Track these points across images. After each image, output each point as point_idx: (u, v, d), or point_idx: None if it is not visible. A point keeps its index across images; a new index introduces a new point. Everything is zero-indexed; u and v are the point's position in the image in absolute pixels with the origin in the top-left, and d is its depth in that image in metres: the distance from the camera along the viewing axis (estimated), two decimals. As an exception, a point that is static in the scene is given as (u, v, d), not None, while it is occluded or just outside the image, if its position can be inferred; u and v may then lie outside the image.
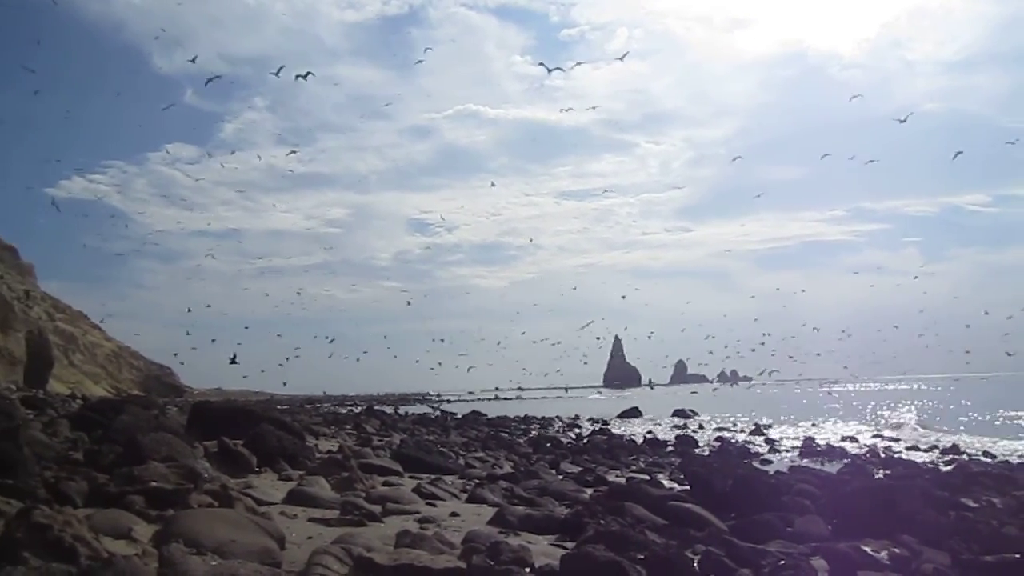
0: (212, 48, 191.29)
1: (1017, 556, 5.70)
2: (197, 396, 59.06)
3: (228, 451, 8.67)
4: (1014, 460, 16.20)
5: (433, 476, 10.07)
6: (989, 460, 16.41)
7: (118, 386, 64.02)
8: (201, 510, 5.34)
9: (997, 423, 28.53)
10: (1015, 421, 28.68)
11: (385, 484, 8.88)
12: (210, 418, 10.95)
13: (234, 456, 8.62)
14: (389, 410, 44.20)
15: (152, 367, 74.11)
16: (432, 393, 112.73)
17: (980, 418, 31.19)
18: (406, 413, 41.07)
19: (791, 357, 43.53)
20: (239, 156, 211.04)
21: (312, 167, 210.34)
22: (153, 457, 6.82)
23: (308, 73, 17.23)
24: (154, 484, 5.67)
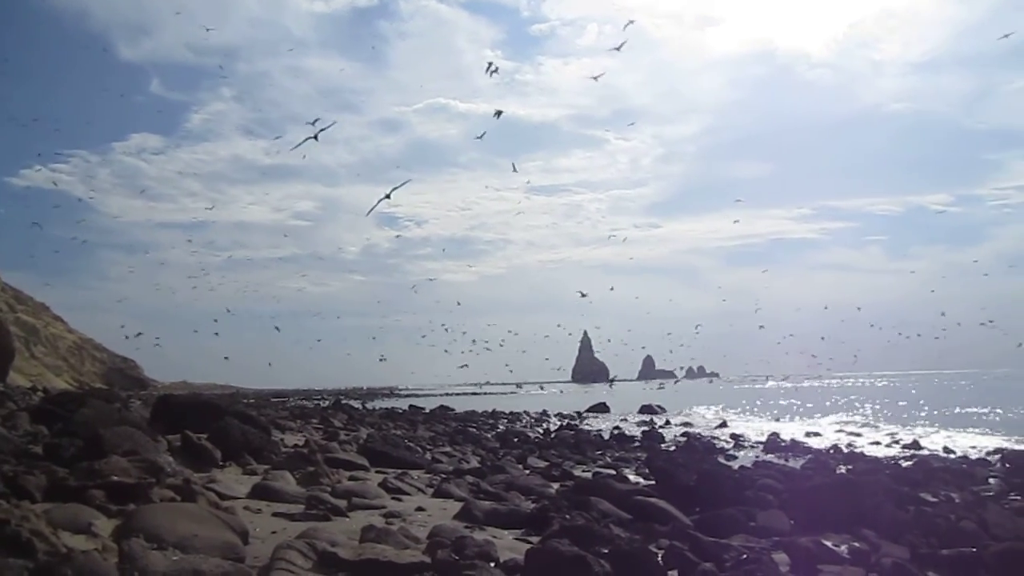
0: (179, 38, 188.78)
1: (973, 550, 5.83)
2: (162, 389, 58.31)
3: (192, 445, 8.57)
4: (973, 456, 16.55)
5: (399, 471, 10.04)
6: (949, 456, 16.74)
7: (80, 379, 62.99)
8: (163, 504, 5.28)
9: (957, 419, 29.06)
10: (975, 417, 29.27)
11: (351, 478, 8.83)
12: (174, 412, 10.77)
13: (198, 450, 8.53)
14: (357, 404, 43.93)
15: (115, 359, 72.94)
16: (400, 388, 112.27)
17: (941, 414, 31.75)
18: (374, 408, 40.86)
19: (753, 330, 43.73)
20: (206, 147, 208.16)
21: (279, 159, 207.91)
22: (115, 451, 6.71)
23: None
24: (115, 478, 5.57)
